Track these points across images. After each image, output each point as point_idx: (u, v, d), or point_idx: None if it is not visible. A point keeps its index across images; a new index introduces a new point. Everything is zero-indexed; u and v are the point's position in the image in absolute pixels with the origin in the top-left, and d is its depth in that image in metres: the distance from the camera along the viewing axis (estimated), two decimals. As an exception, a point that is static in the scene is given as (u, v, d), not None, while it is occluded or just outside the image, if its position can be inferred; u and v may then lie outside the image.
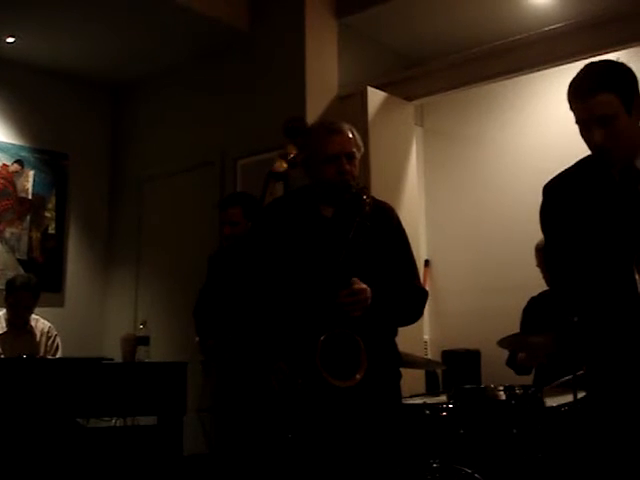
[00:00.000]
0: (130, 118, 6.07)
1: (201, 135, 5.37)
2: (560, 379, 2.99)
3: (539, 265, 3.56)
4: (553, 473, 2.72)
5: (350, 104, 4.75)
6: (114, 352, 3.97)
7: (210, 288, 3.95)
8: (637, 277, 1.84)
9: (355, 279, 2.25)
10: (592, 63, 2.02)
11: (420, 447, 2.87)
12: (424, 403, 3.00)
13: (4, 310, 4.48)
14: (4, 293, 4.53)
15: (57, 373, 3.34)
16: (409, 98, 4.97)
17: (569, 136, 5.29)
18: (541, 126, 5.20)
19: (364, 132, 4.55)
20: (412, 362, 3.37)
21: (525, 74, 4.75)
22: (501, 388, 2.88)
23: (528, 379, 3.55)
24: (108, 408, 3.44)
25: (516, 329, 3.61)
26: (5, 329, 4.43)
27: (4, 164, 5.44)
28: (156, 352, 3.94)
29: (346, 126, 2.49)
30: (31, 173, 5.58)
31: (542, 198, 2.15)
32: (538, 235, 3.56)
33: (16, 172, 5.49)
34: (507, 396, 2.85)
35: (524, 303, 3.72)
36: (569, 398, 2.71)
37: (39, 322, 4.56)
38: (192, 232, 3.99)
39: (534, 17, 4.62)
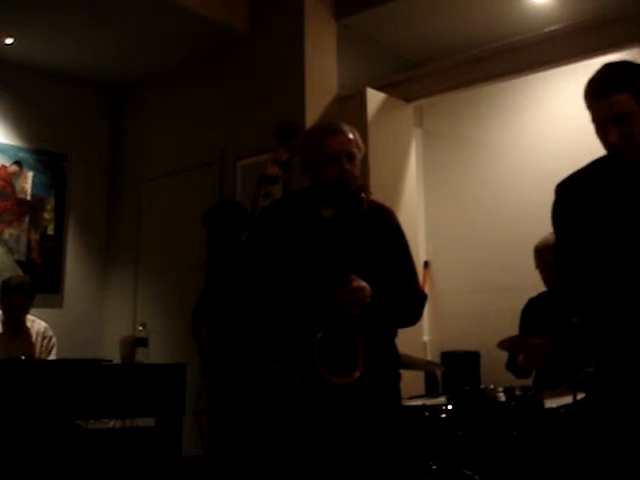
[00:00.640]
0: (129, 119, 6.07)
1: (200, 136, 5.36)
2: (560, 381, 2.99)
3: (538, 267, 3.56)
4: (553, 475, 2.71)
5: (349, 105, 4.75)
6: (113, 353, 3.96)
7: (209, 293, 3.96)
8: None
9: (354, 276, 2.25)
10: (609, 63, 2.04)
11: (419, 449, 2.87)
12: (423, 405, 3.00)
13: None
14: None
15: (56, 374, 3.33)
16: (408, 99, 4.97)
17: (568, 137, 5.33)
18: (540, 127, 5.21)
19: (363, 133, 4.54)
20: (411, 364, 3.36)
21: (524, 75, 4.75)
22: (501, 389, 2.87)
23: (528, 380, 3.54)
24: (107, 410, 3.43)
25: (515, 330, 3.60)
26: (0, 330, 4.42)
27: (3, 165, 5.44)
28: (155, 354, 3.94)
29: (347, 127, 2.49)
30: (30, 174, 5.58)
31: (555, 196, 2.16)
32: (537, 236, 3.59)
33: (15, 173, 5.49)
34: (507, 397, 2.84)
35: (523, 304, 3.71)
36: (569, 400, 2.70)
37: (35, 323, 4.55)
38: (191, 234, 3.98)
39: (533, 18, 4.62)
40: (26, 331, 4.49)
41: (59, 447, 3.27)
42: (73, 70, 5.68)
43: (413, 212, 4.94)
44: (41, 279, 5.34)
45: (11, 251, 5.38)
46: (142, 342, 3.76)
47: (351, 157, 2.43)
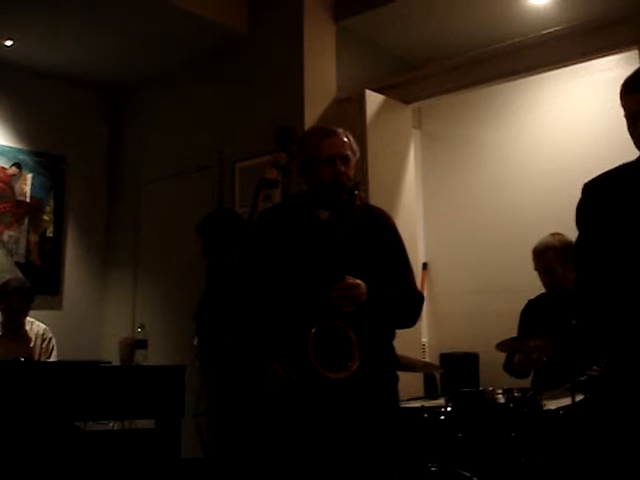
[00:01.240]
0: (128, 121, 6.07)
1: (199, 138, 5.37)
2: (560, 383, 2.99)
3: (537, 268, 3.57)
4: (552, 476, 2.72)
5: (348, 107, 4.76)
6: (112, 355, 3.97)
7: (211, 294, 3.96)
8: None
9: (348, 276, 2.26)
10: None
11: (418, 450, 2.87)
12: (422, 406, 3.00)
13: None
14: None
15: (55, 376, 3.33)
16: (407, 101, 4.98)
17: (567, 139, 5.32)
18: (539, 129, 5.21)
19: (362, 135, 4.55)
20: (410, 365, 3.36)
21: (523, 77, 4.76)
22: (499, 391, 2.88)
23: (527, 382, 3.55)
24: (106, 411, 3.43)
25: (514, 332, 3.61)
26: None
27: (2, 167, 5.44)
28: (154, 355, 3.94)
29: (341, 130, 2.52)
30: (29, 176, 5.58)
31: (581, 195, 2.18)
32: (536, 238, 3.59)
33: (14, 175, 5.49)
34: (505, 399, 2.84)
35: (522, 306, 3.72)
36: (567, 401, 2.71)
37: (34, 325, 4.56)
38: (190, 235, 3.98)
39: (532, 20, 4.62)
40: (25, 333, 4.49)
41: (58, 449, 3.27)
42: (72, 72, 5.69)
43: (412, 213, 4.94)
44: (40, 281, 5.34)
45: (10, 253, 5.38)
46: (141, 344, 3.76)
47: (345, 159, 2.45)
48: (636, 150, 2.08)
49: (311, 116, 4.64)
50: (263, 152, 4.37)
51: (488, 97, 5.36)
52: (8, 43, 5.16)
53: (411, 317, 2.52)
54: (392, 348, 2.52)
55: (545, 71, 4.64)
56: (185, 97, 5.58)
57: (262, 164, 4.05)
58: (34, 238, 5.55)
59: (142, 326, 3.89)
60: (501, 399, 2.85)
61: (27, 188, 5.56)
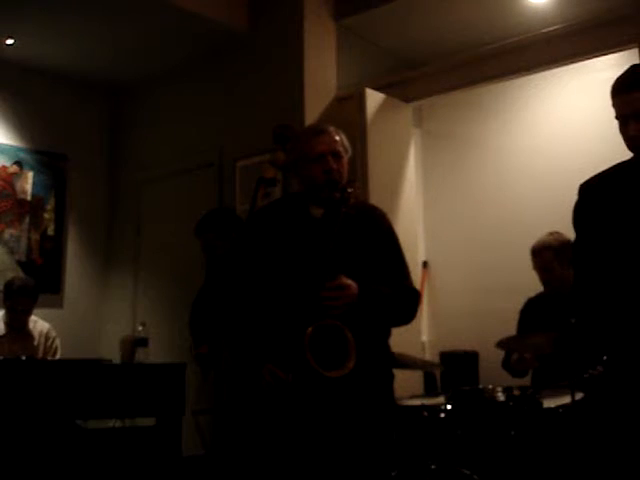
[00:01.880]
0: (129, 119, 6.08)
1: (200, 136, 5.37)
2: (558, 381, 3.00)
3: (535, 267, 3.58)
4: (551, 474, 2.72)
5: (348, 106, 4.76)
6: (113, 353, 3.98)
7: (204, 295, 3.98)
8: None
9: (341, 275, 2.26)
10: (637, 64, 2.16)
11: (418, 449, 2.88)
12: (422, 404, 3.00)
13: (1, 312, 4.49)
14: (1, 295, 4.54)
15: (56, 374, 3.34)
16: (407, 100, 4.97)
17: (567, 138, 5.32)
18: (539, 128, 5.22)
19: (362, 134, 4.55)
20: (410, 363, 3.37)
21: (523, 76, 4.76)
22: (499, 389, 2.88)
23: (526, 380, 3.56)
24: (107, 409, 3.44)
25: (514, 331, 3.62)
26: (3, 331, 4.43)
27: (3, 166, 5.44)
28: (155, 353, 3.94)
29: (332, 128, 2.53)
30: (30, 175, 5.59)
31: (577, 196, 2.19)
32: (536, 236, 3.60)
33: (15, 174, 5.50)
34: (505, 397, 2.85)
35: (522, 305, 3.73)
36: (567, 399, 2.71)
37: (38, 323, 4.56)
38: (191, 233, 3.99)
39: (532, 19, 4.62)
40: (29, 332, 4.50)
41: (59, 447, 3.28)
42: (73, 70, 5.69)
43: (412, 212, 4.94)
44: (41, 279, 5.34)
45: (11, 251, 5.39)
46: (142, 342, 3.77)
47: (337, 156, 2.46)
48: (627, 147, 2.09)
49: (311, 115, 4.65)
50: (264, 150, 4.38)
51: (488, 96, 5.36)
52: (9, 42, 5.16)
53: (407, 315, 2.52)
54: (387, 346, 2.53)
55: (545, 69, 4.64)
56: (185, 95, 5.58)
57: (263, 162, 4.07)
58: (35, 236, 5.55)
59: (143, 324, 3.90)
60: (501, 397, 2.86)
61: (28, 186, 5.57)
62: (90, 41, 5.21)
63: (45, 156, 5.68)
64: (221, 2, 4.96)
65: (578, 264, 2.17)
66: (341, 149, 2.48)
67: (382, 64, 5.33)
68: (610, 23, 4.13)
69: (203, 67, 5.46)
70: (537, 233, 3.62)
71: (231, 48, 5.19)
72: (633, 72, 2.09)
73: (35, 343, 4.50)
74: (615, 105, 2.08)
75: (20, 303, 4.40)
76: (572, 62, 4.47)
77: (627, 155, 2.15)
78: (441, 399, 3.15)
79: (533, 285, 3.63)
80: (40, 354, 4.47)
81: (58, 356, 4.57)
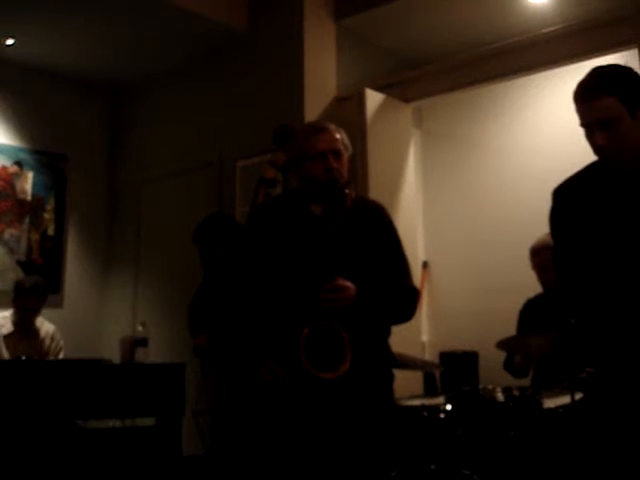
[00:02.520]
0: (129, 119, 6.08)
1: (200, 136, 5.37)
2: (558, 382, 3.00)
3: (534, 268, 3.58)
4: (551, 475, 2.72)
5: (348, 106, 4.76)
6: (113, 353, 3.98)
7: (204, 290, 3.99)
8: None
9: (339, 277, 2.26)
10: (598, 67, 2.04)
11: (418, 449, 2.88)
12: (422, 405, 3.00)
13: (9, 312, 4.50)
14: (5, 294, 4.55)
15: (56, 374, 3.34)
16: (407, 100, 4.97)
17: (568, 138, 5.32)
18: (538, 128, 5.21)
19: (362, 134, 4.56)
20: (410, 364, 3.37)
21: (523, 76, 4.75)
22: (499, 390, 2.88)
23: (526, 381, 3.56)
24: (107, 409, 3.45)
25: (514, 331, 3.62)
26: (11, 330, 4.45)
27: (3, 166, 5.44)
28: (155, 353, 3.95)
29: (333, 126, 2.52)
30: (30, 175, 5.59)
31: (552, 201, 2.16)
32: (535, 237, 3.60)
33: (15, 174, 5.50)
34: (505, 398, 2.85)
35: (521, 305, 3.73)
36: (567, 400, 2.71)
37: (44, 324, 4.60)
38: (191, 234, 3.99)
39: (532, 19, 4.63)
40: (36, 331, 4.53)
41: (59, 447, 3.28)
42: (73, 70, 5.69)
43: (412, 212, 4.94)
44: (41, 279, 5.34)
45: (11, 251, 5.39)
46: (142, 342, 3.77)
47: (337, 155, 2.45)
48: (594, 153, 2.06)
49: (311, 115, 4.65)
50: (264, 150, 4.38)
51: (488, 96, 5.35)
52: (9, 42, 5.17)
53: (406, 313, 2.51)
54: (387, 346, 2.52)
55: (545, 70, 4.63)
56: (185, 95, 5.58)
57: (263, 162, 4.07)
58: (35, 236, 5.56)
59: (143, 324, 3.91)
60: (500, 398, 2.86)
61: (28, 186, 5.57)
62: (90, 41, 5.21)
63: (45, 156, 5.69)
64: (221, 2, 4.96)
65: (558, 270, 2.15)
66: (341, 147, 2.48)
67: (382, 64, 5.33)
68: (610, 23, 4.13)
69: (203, 67, 5.46)
70: (537, 233, 3.61)
71: (231, 48, 5.19)
72: (597, 76, 2.01)
73: (41, 343, 4.51)
74: (579, 112, 2.00)
75: (31, 302, 4.43)
76: (572, 62, 4.46)
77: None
78: (441, 399, 3.15)
79: (533, 285, 3.63)
80: (47, 354, 4.48)
81: (61, 357, 4.58)
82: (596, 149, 2.02)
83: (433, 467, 2.76)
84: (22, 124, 5.59)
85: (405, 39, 5.17)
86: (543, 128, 5.18)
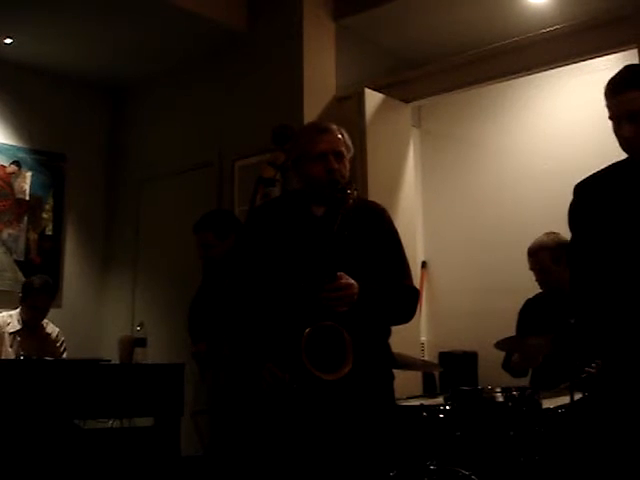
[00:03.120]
0: (128, 119, 6.07)
1: (199, 136, 5.37)
2: (557, 381, 3.00)
3: (532, 268, 3.57)
4: (550, 475, 2.72)
5: (347, 106, 4.76)
6: (111, 353, 3.97)
7: (203, 293, 3.98)
8: None
9: (342, 274, 2.26)
10: (630, 65, 2.15)
11: (417, 449, 2.87)
12: (421, 405, 3.00)
13: (15, 310, 4.52)
14: (4, 294, 4.56)
15: (54, 374, 3.34)
16: (406, 100, 4.97)
17: (566, 138, 5.32)
18: (538, 128, 5.21)
19: (361, 134, 4.55)
20: (409, 364, 3.36)
21: (523, 76, 4.75)
22: (498, 390, 2.88)
23: (525, 381, 3.55)
24: (105, 409, 3.44)
25: (513, 331, 3.61)
26: (17, 328, 4.46)
27: (1, 165, 5.44)
28: (153, 354, 3.94)
29: (335, 126, 2.51)
30: (28, 174, 5.58)
31: (573, 196, 2.18)
32: (534, 237, 3.59)
33: (13, 173, 5.49)
34: (504, 398, 2.84)
35: (521, 305, 3.72)
36: (566, 400, 2.71)
37: (49, 325, 4.62)
38: (190, 234, 3.98)
39: (532, 19, 4.62)
40: (42, 331, 4.56)
41: (58, 447, 3.27)
42: (72, 70, 5.69)
43: (411, 212, 4.94)
44: (40, 279, 5.33)
45: (10, 251, 5.39)
46: (140, 342, 3.77)
47: (339, 155, 2.44)
48: (620, 147, 2.08)
49: (310, 115, 4.64)
50: (263, 150, 4.36)
51: (488, 96, 5.35)
52: (8, 41, 5.16)
53: (406, 313, 2.51)
54: (387, 346, 2.52)
55: (545, 70, 4.63)
56: (184, 95, 5.58)
57: (262, 162, 4.06)
58: (33, 236, 5.55)
59: (141, 324, 3.90)
60: (500, 398, 2.85)
61: (26, 186, 5.56)
62: (88, 40, 5.21)
63: (44, 156, 5.68)
64: (220, 2, 4.96)
65: (574, 265, 2.16)
66: (343, 148, 2.47)
67: (381, 64, 5.32)
68: (610, 23, 4.12)
69: (202, 67, 5.46)
70: (536, 233, 3.61)
71: (230, 48, 5.18)
72: (627, 72, 2.08)
73: (46, 342, 4.53)
74: (609, 106, 2.07)
75: (41, 301, 4.45)
76: (572, 62, 4.46)
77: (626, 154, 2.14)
78: (440, 399, 3.14)
79: (532, 285, 3.63)
80: (50, 355, 4.49)
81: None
82: (622, 142, 2.06)
83: (432, 467, 2.76)
84: (20, 123, 5.58)
85: (405, 39, 5.17)
86: (543, 128, 5.17)
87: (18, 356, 4.22)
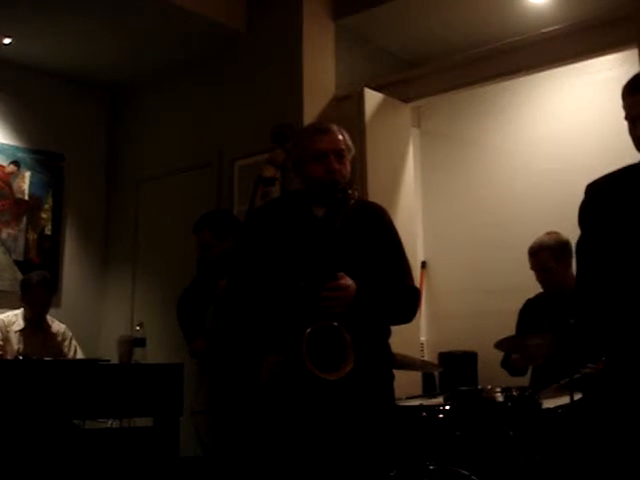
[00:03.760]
0: (127, 119, 6.07)
1: (198, 136, 5.36)
2: (557, 381, 2.99)
3: (532, 268, 3.57)
4: (550, 475, 2.72)
5: (347, 106, 4.75)
6: (110, 353, 3.96)
7: (194, 290, 3.99)
8: None
9: (341, 274, 2.25)
10: None
11: (417, 449, 2.87)
12: (421, 405, 3.00)
13: (19, 310, 4.52)
14: (3, 294, 4.56)
15: (53, 374, 3.33)
16: (406, 100, 4.96)
17: (566, 138, 5.31)
18: (538, 128, 5.21)
19: (361, 134, 4.55)
20: (409, 364, 3.37)
21: (522, 76, 4.75)
22: (498, 390, 2.88)
23: (525, 381, 3.55)
24: (104, 409, 3.44)
25: (513, 331, 3.61)
26: (22, 326, 4.47)
27: (0, 165, 5.43)
28: (152, 354, 3.94)
29: (335, 127, 2.51)
30: (27, 174, 5.57)
31: (584, 196, 2.18)
32: (535, 237, 3.59)
33: (12, 173, 5.49)
34: (504, 398, 2.85)
35: (521, 305, 3.72)
36: (566, 400, 2.71)
37: (54, 323, 4.62)
38: (189, 233, 3.98)
39: (531, 19, 4.62)
40: (47, 328, 4.56)
41: (57, 447, 3.27)
42: (71, 70, 5.68)
43: (411, 212, 4.94)
44: (39, 279, 5.33)
45: (9, 251, 5.38)
46: (140, 342, 3.77)
47: (340, 156, 2.44)
48: (635, 148, 2.08)
49: (310, 114, 4.64)
50: (262, 150, 4.36)
51: (487, 96, 5.35)
52: (7, 41, 5.15)
53: (406, 314, 2.51)
54: (387, 346, 2.52)
55: (544, 70, 4.63)
56: (184, 95, 5.57)
57: (261, 162, 4.06)
58: (32, 236, 5.54)
59: (140, 324, 3.90)
60: (499, 398, 2.86)
61: (25, 186, 5.55)
62: (88, 40, 5.20)
63: (43, 155, 5.67)
64: (220, 2, 4.96)
65: (582, 263, 2.16)
66: (344, 148, 2.47)
67: (381, 64, 5.32)
68: (610, 23, 4.12)
69: (202, 67, 5.45)
70: (536, 233, 3.61)
71: (229, 48, 5.18)
72: None
73: (53, 339, 4.53)
74: (625, 106, 2.08)
75: (40, 295, 4.46)
76: (571, 62, 4.46)
77: (626, 154, 2.14)
78: (440, 399, 3.14)
79: (532, 285, 3.62)
80: (60, 352, 4.50)
81: (79, 355, 4.60)
82: (637, 142, 2.06)
83: (432, 467, 2.76)
84: (20, 123, 5.57)
85: (404, 39, 5.16)
86: (542, 128, 5.17)
87: (17, 356, 4.22)
